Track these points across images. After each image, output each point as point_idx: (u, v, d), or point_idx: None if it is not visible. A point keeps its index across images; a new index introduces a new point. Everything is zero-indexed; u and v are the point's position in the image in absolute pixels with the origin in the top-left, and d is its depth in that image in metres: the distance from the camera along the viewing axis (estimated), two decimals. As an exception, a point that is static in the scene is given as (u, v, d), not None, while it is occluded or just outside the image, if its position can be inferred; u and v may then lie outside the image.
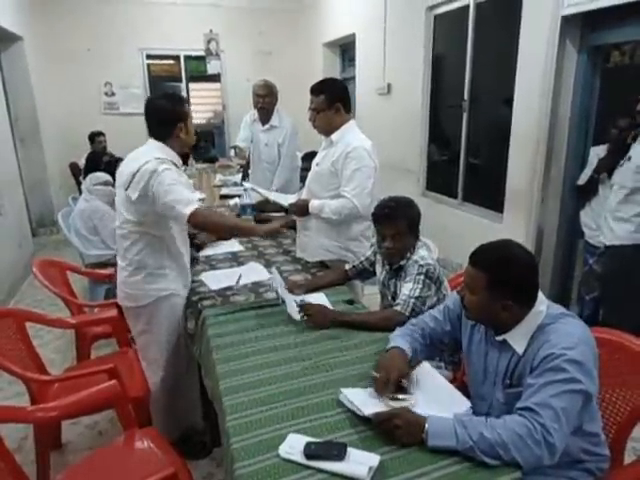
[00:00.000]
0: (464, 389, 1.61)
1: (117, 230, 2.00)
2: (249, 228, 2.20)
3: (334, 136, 2.31)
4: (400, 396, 1.34)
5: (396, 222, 1.85)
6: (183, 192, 1.84)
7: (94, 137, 5.87)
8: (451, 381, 1.89)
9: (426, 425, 1.17)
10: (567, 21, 2.99)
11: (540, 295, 1.32)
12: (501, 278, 1.28)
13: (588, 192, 3.14)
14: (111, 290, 2.87)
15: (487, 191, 3.95)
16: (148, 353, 2.11)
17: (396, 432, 1.19)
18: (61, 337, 3.40)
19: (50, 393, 2.03)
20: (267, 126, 3.60)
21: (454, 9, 4.07)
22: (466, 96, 4.03)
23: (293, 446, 1.17)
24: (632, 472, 1.35)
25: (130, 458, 1.62)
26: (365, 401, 1.31)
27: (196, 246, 2.61)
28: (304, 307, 1.81)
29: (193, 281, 2.24)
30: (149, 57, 7.19)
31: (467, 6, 3.89)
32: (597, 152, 3.09)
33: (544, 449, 1.12)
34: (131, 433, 1.74)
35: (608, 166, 2.93)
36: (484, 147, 4.10)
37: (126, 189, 1.84)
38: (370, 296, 2.63)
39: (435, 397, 1.33)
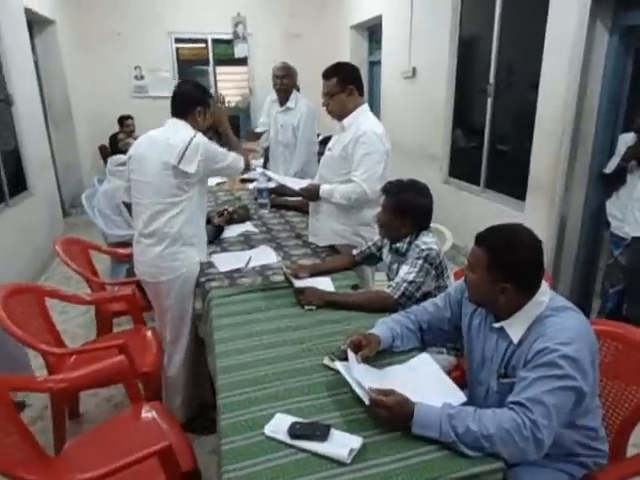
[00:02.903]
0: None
1: (150, 206, 2.05)
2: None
3: (346, 121, 2.29)
4: (333, 360, 1.43)
5: (387, 197, 1.90)
6: (229, 154, 2.18)
7: (123, 120, 6.00)
8: (455, 367, 1.91)
9: (414, 414, 1.18)
10: (598, 0, 2.85)
11: (544, 286, 1.29)
12: (502, 260, 1.25)
13: (615, 181, 3.02)
14: (131, 269, 2.96)
15: (510, 178, 3.85)
16: (180, 323, 2.17)
17: (386, 421, 1.20)
18: (86, 313, 3.54)
19: (66, 366, 2.12)
20: (283, 107, 3.61)
21: (482, -11, 3.93)
22: (492, 80, 3.90)
23: (279, 425, 1.20)
24: (627, 467, 1.31)
25: (132, 431, 1.69)
26: (361, 376, 1.32)
27: (215, 228, 2.68)
28: (296, 290, 1.87)
29: (202, 262, 2.29)
30: (178, 41, 7.26)
31: (495, -15, 3.75)
32: (626, 140, 2.95)
33: (531, 445, 1.11)
34: (137, 406, 1.80)
35: (637, 154, 2.80)
36: (509, 133, 3.98)
37: (178, 164, 1.96)
38: (380, 282, 2.63)
39: (431, 388, 1.33)
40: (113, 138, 5.89)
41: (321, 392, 1.35)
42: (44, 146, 5.02)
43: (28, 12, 4.79)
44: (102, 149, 6.19)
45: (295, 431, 1.17)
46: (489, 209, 3.96)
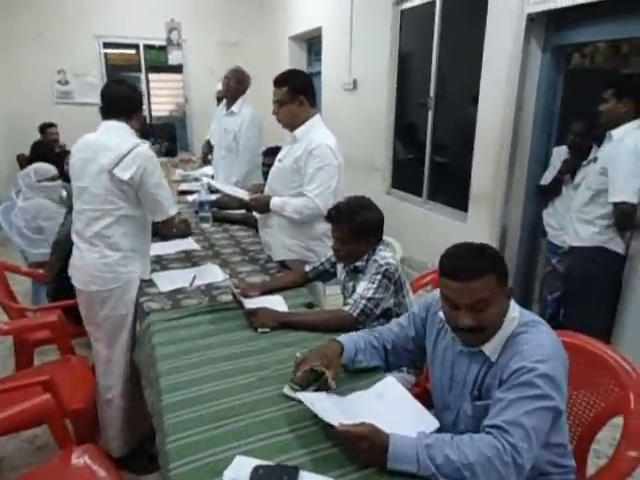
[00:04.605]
0: (427, 395, 1.54)
1: (86, 213, 1.93)
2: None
3: (297, 132, 2.21)
4: (295, 389, 1.33)
5: (339, 226, 1.78)
6: (169, 190, 2.00)
7: (45, 128, 5.54)
8: (414, 385, 1.84)
9: (390, 447, 1.08)
10: (532, 20, 2.98)
11: (511, 300, 1.25)
12: (504, 268, 1.22)
13: (551, 192, 3.15)
14: (52, 291, 2.67)
15: (452, 190, 3.93)
16: (114, 339, 2.00)
17: (359, 454, 1.10)
18: (1, 342, 3.16)
19: (-22, 408, 1.83)
20: (229, 111, 3.53)
21: (420, 4, 4.01)
22: (432, 93, 3.98)
23: (239, 471, 1.06)
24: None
25: (63, 482, 1.46)
26: (328, 408, 1.21)
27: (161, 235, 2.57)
28: (247, 312, 1.74)
29: (142, 280, 2.09)
30: (106, 45, 6.86)
31: (433, 2, 3.84)
32: (559, 152, 3.10)
33: (512, 470, 1.05)
34: (67, 452, 1.58)
35: (572, 167, 2.94)
36: (450, 145, 4.08)
37: (112, 168, 1.84)
38: (332, 297, 2.54)
39: (401, 415, 1.24)
40: (42, 145, 5.40)
41: (284, 427, 1.22)
42: (-49, 155, 4.50)
43: None
44: (21, 158, 5.67)
45: (259, 477, 1.03)
46: (432, 220, 4.01)
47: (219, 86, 3.71)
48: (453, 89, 3.91)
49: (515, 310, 1.24)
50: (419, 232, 4.08)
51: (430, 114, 4.03)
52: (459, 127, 3.85)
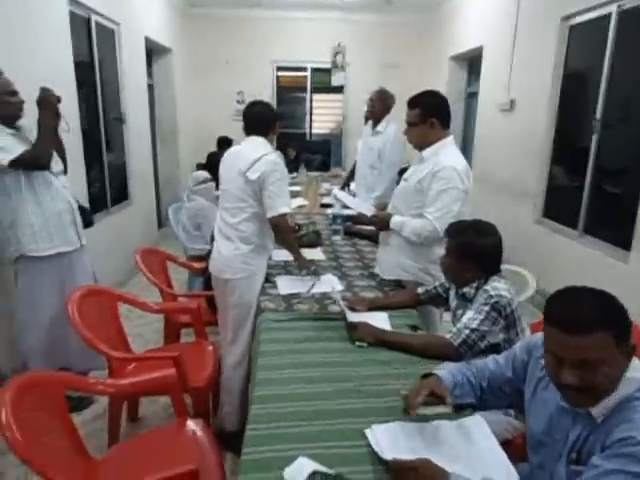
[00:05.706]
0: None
1: (226, 210, 2.26)
2: (297, 256, 2.37)
3: (425, 152, 2.19)
4: (428, 409, 1.26)
5: (449, 239, 1.78)
6: (286, 192, 2.23)
7: (222, 143, 6.35)
8: (520, 434, 1.68)
9: None
10: None
11: (634, 359, 1.07)
12: (626, 323, 1.02)
13: None
14: (207, 280, 3.05)
15: (614, 224, 3.44)
16: (239, 325, 2.26)
17: None
18: (159, 320, 3.71)
19: (126, 370, 2.20)
20: (374, 131, 3.63)
21: (593, 18, 3.62)
22: (598, 115, 3.55)
23: (298, 471, 1.11)
24: None
25: (169, 446, 1.68)
26: (392, 441, 1.20)
27: None
28: (349, 325, 1.80)
29: (266, 280, 2.32)
30: (279, 69, 7.62)
31: (608, 15, 3.43)
32: None
33: None
34: (181, 421, 1.81)
35: None
36: (616, 173, 3.57)
37: (246, 172, 2.15)
38: (449, 323, 2.44)
39: (479, 459, 1.16)
40: (212, 156, 6.23)
41: (354, 440, 1.24)
42: (148, 161, 5.46)
43: (148, 41, 5.31)
44: (199, 167, 6.61)
45: (315, 481, 1.07)
46: (586, 256, 3.55)
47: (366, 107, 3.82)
48: (626, 110, 3.43)
49: (638, 370, 1.05)
50: (569, 268, 3.66)
51: (595, 137, 3.59)
52: (630, 152, 3.36)
